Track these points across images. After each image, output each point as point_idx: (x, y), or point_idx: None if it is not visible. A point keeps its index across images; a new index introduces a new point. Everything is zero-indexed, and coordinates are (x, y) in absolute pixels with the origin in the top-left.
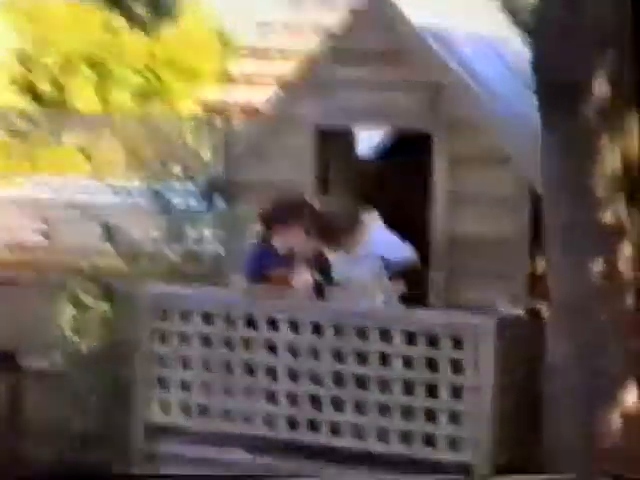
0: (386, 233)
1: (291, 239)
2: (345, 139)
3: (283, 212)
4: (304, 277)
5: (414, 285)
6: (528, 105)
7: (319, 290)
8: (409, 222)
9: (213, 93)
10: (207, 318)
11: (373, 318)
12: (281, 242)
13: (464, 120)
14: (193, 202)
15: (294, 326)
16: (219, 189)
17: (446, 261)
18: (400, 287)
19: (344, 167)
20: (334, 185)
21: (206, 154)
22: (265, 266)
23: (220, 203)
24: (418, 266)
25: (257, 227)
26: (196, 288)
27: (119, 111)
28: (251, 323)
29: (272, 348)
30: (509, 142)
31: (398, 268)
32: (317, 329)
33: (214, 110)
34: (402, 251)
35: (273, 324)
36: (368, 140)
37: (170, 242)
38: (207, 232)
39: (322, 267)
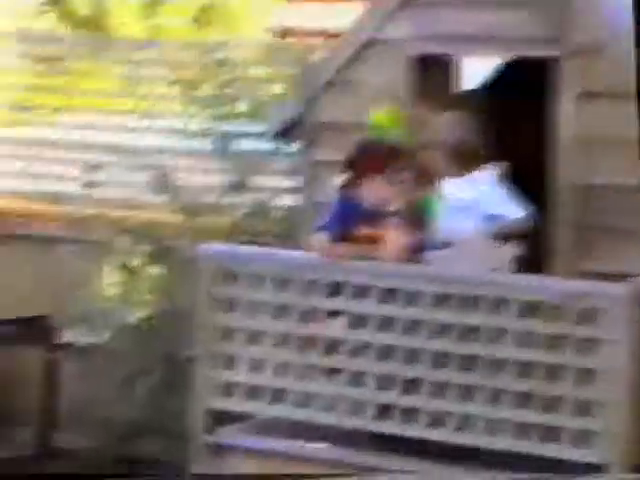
0: (499, 185)
1: (382, 190)
2: (447, 69)
3: (372, 158)
4: (397, 236)
5: (529, 248)
6: None
7: (417, 251)
8: (525, 170)
9: (287, 16)
10: (281, 284)
11: (483, 285)
12: (370, 194)
13: (598, 46)
14: (263, 146)
15: (386, 295)
16: (295, 130)
17: (573, 218)
18: (515, 249)
19: (446, 103)
20: None
21: (279, 88)
22: (350, 223)
23: (296, 147)
24: (533, 227)
25: (340, 176)
26: (268, 248)
27: (173, 37)
28: (334, 291)
29: (360, 321)
30: None
31: (511, 228)
32: (414, 299)
33: (288, 36)
34: (516, 209)
35: (361, 292)
36: (476, 70)
37: (236, 193)
38: (280, 181)
39: (419, 222)
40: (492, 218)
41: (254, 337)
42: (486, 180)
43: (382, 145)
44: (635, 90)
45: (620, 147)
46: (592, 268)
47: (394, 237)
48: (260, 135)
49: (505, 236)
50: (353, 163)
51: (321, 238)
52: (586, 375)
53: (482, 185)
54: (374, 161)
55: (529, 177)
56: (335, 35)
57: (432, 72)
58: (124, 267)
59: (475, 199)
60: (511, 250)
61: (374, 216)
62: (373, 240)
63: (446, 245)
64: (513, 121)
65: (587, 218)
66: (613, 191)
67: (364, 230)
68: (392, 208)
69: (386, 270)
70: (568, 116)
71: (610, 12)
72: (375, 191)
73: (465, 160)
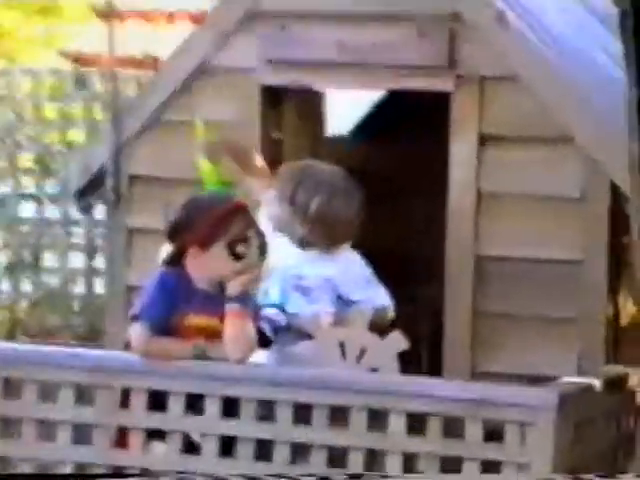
0: (359, 264)
1: (217, 264)
2: (308, 107)
3: (205, 222)
4: (244, 328)
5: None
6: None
7: (263, 342)
8: (405, 239)
9: (91, 39)
10: (83, 396)
11: (357, 390)
12: (203, 270)
13: (503, 75)
14: (55, 212)
15: (228, 406)
16: (100, 189)
17: (469, 300)
18: (400, 342)
19: (305, 152)
20: None
21: (80, 133)
22: (178, 309)
23: (102, 211)
24: (387, 318)
25: (164, 247)
26: (64, 346)
27: None
28: (157, 403)
29: (191, 445)
30: (574, 111)
31: (369, 318)
32: (268, 412)
33: (89, 64)
34: (378, 294)
35: (195, 404)
36: (345, 109)
37: (18, 276)
38: (80, 259)
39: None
40: (346, 303)
41: (44, 468)
42: (345, 255)
43: (218, 205)
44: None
45: (526, 206)
46: (492, 368)
47: (239, 329)
48: (52, 197)
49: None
50: (180, 229)
51: (138, 330)
52: None
53: (338, 261)
54: (208, 226)
55: (413, 245)
56: (155, 63)
57: (291, 110)
58: None
59: (327, 277)
60: (395, 343)
61: (210, 300)
62: (210, 332)
63: (301, 336)
64: (400, 175)
65: (484, 301)
66: (517, 265)
67: (197, 319)
68: (233, 289)
69: (231, 373)
70: (461, 165)
71: (520, 35)
72: (209, 266)
73: (324, 231)
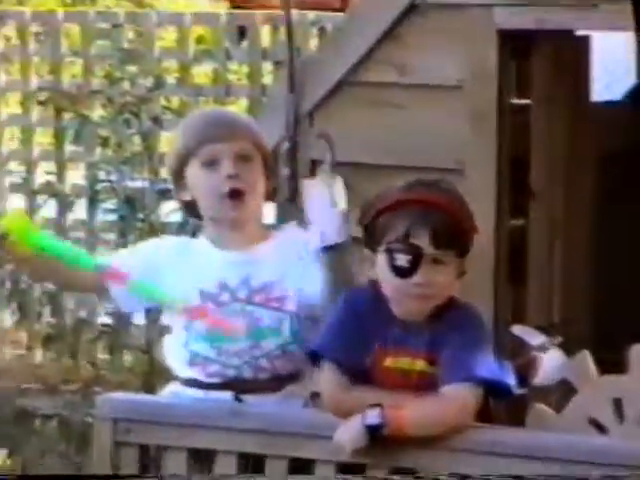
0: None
1: (382, 278)
2: (566, 60)
3: (414, 213)
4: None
5: None
6: None
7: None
8: None
9: None
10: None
11: None
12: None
13: None
14: None
15: None
16: None
17: None
18: None
19: (561, 123)
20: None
21: (238, 104)
22: (372, 341)
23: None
24: None
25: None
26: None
27: None
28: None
29: None
30: None
31: None
32: None
33: (251, 5)
34: None
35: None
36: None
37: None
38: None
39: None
40: None
41: None
42: None
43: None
44: None
45: None
46: None
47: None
48: None
49: None
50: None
51: (329, 374)
52: None
53: None
54: (373, 216)
55: None
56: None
57: (542, 65)
58: None
59: None
60: None
61: (408, 330)
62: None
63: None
64: None
65: None
66: None
67: (397, 358)
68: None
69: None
70: None
71: None
72: (427, 277)
73: None
